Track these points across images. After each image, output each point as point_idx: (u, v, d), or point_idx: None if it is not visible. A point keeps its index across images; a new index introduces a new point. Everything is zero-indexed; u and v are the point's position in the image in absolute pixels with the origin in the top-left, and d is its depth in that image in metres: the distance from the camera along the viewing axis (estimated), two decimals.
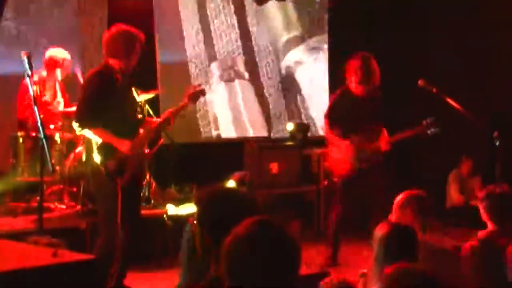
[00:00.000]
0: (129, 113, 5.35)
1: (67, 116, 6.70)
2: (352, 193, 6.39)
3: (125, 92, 5.29)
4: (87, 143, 5.24)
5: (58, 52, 6.96)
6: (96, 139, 5.09)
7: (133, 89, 5.48)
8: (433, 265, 3.68)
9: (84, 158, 5.25)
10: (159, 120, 5.60)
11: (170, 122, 5.49)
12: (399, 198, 4.16)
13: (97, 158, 5.07)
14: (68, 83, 7.24)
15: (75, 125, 5.12)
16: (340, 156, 6.36)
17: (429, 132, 6.28)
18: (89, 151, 5.16)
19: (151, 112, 7.00)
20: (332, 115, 6.41)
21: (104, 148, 5.07)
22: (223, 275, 2.14)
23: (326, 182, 6.60)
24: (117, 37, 5.16)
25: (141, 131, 5.37)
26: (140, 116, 6.19)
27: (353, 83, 6.28)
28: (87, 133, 5.12)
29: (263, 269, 2.06)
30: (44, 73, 6.95)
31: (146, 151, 5.42)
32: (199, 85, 6.28)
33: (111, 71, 5.15)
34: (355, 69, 6.23)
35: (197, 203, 2.65)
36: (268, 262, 2.07)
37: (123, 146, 5.07)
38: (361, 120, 6.29)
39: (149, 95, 7.00)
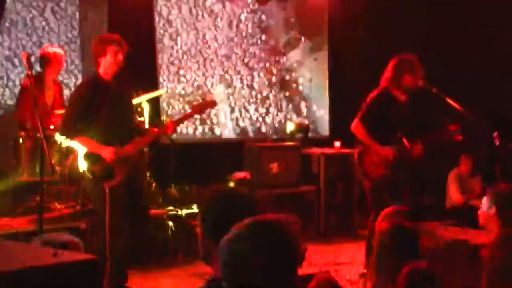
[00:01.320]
0: (121, 118, 5.36)
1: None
2: (384, 197, 6.08)
3: (116, 98, 5.32)
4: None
5: (49, 49, 6.93)
6: (81, 148, 5.21)
7: (129, 93, 5.53)
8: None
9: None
10: (158, 130, 5.64)
11: (168, 132, 5.56)
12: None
13: (83, 165, 5.19)
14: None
15: (59, 137, 5.22)
16: (376, 160, 5.99)
17: (453, 138, 6.02)
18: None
19: (148, 114, 6.95)
20: (369, 118, 5.98)
21: (89, 155, 5.18)
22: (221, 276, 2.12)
23: (365, 185, 6.09)
24: (93, 44, 5.31)
25: (136, 138, 5.40)
26: (138, 120, 6.23)
27: (404, 85, 5.95)
28: (73, 143, 5.27)
29: (261, 270, 2.03)
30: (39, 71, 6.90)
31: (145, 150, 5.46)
32: (212, 99, 6.26)
33: (98, 79, 5.24)
34: (414, 72, 5.92)
35: (199, 204, 2.65)
36: (266, 262, 2.03)
37: (106, 153, 5.15)
38: (399, 123, 6.02)
39: (153, 94, 6.99)
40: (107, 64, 5.23)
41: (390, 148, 5.94)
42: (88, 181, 5.26)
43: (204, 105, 5.71)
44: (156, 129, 5.70)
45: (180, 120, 5.87)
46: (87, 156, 5.18)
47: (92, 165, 5.16)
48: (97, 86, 5.23)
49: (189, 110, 5.92)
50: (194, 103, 5.64)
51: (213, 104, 5.80)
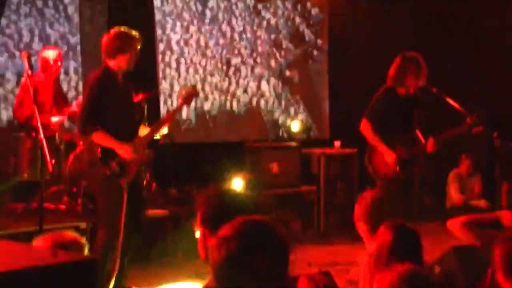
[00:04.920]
0: (129, 114, 5.36)
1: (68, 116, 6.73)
2: (393, 196, 5.97)
3: (125, 93, 5.31)
4: (90, 144, 5.24)
5: (49, 53, 6.89)
6: (100, 142, 5.13)
7: (132, 90, 5.52)
8: None
9: (86, 159, 5.25)
10: (157, 123, 5.65)
11: (167, 124, 5.56)
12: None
13: (101, 160, 5.12)
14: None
15: (80, 131, 5.18)
16: (384, 159, 5.92)
17: (473, 130, 5.90)
18: (92, 152, 5.17)
19: (147, 115, 6.96)
20: (375, 116, 5.94)
21: (107, 150, 5.10)
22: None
23: (377, 184, 6.00)
24: (111, 37, 5.22)
25: (141, 132, 5.40)
26: (138, 116, 6.22)
27: (408, 84, 5.91)
28: (94, 137, 5.17)
29: (251, 270, 2.02)
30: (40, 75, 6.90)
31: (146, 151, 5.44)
32: (194, 86, 6.33)
33: (110, 73, 5.18)
34: (418, 71, 5.87)
35: (203, 205, 2.64)
36: (256, 263, 2.02)
37: (124, 151, 5.10)
38: (406, 121, 5.98)
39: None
40: (127, 60, 5.16)
41: (395, 153, 5.87)
42: (102, 177, 5.10)
43: (190, 95, 5.70)
44: (155, 124, 5.70)
45: (174, 112, 5.96)
46: (104, 152, 5.10)
47: (109, 160, 5.08)
48: (111, 81, 5.15)
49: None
50: (182, 94, 5.64)
51: (195, 91, 5.82)
